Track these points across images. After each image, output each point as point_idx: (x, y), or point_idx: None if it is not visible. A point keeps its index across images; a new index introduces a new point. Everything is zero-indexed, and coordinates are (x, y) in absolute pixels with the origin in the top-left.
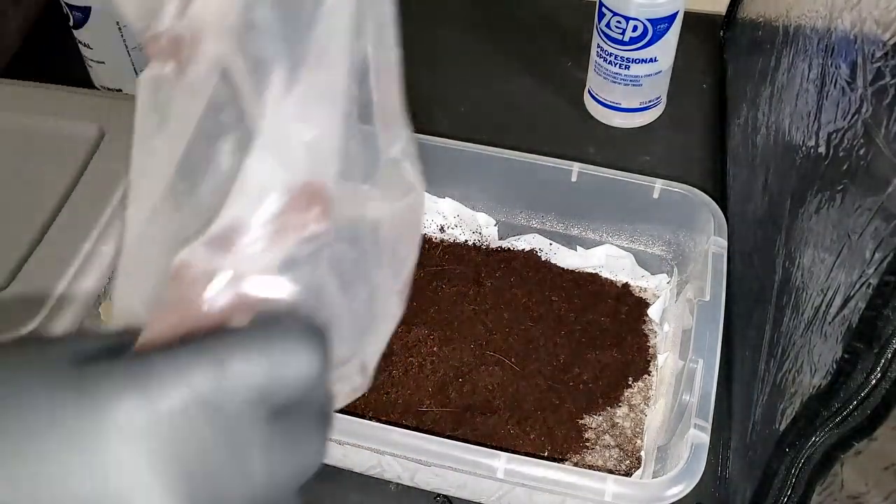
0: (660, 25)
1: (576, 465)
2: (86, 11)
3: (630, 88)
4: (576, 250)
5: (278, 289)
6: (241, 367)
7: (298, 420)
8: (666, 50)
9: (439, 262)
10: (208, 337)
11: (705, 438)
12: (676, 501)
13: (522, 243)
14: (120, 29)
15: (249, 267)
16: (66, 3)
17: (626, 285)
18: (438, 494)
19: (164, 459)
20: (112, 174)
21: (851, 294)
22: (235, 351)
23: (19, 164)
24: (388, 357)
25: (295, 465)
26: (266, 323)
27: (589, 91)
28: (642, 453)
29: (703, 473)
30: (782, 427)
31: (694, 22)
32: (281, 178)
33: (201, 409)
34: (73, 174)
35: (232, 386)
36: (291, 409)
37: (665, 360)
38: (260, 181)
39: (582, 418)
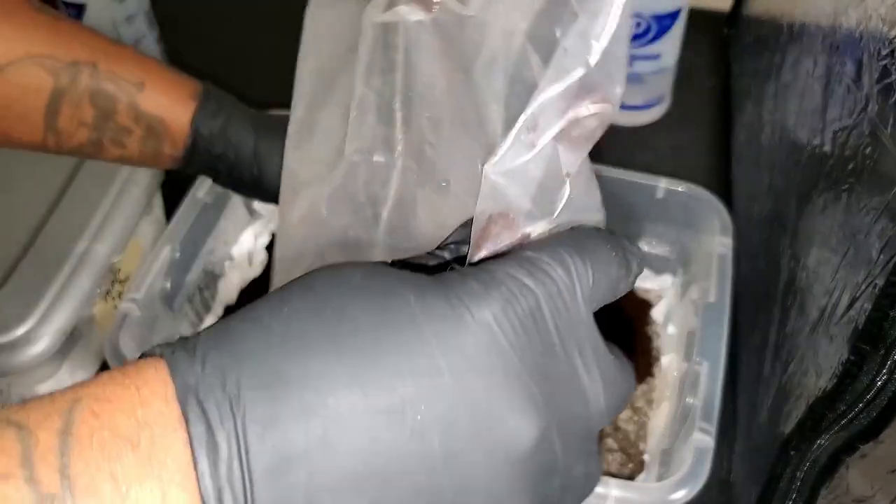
0: (664, 22)
1: None
2: (80, 8)
3: (633, 86)
4: None
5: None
6: (581, 268)
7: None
8: (670, 47)
9: None
10: (543, 242)
11: (710, 442)
12: None
13: None
14: (116, 27)
15: (552, 167)
16: (63, 1)
17: None
18: None
19: (518, 355)
20: (107, 174)
21: (857, 295)
22: (573, 253)
23: (14, 163)
24: None
25: (621, 388)
26: (584, 230)
27: None
28: (646, 457)
29: (708, 477)
30: (787, 430)
31: (698, 18)
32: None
33: (552, 303)
34: (67, 173)
35: (579, 286)
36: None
37: (669, 363)
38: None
39: None
